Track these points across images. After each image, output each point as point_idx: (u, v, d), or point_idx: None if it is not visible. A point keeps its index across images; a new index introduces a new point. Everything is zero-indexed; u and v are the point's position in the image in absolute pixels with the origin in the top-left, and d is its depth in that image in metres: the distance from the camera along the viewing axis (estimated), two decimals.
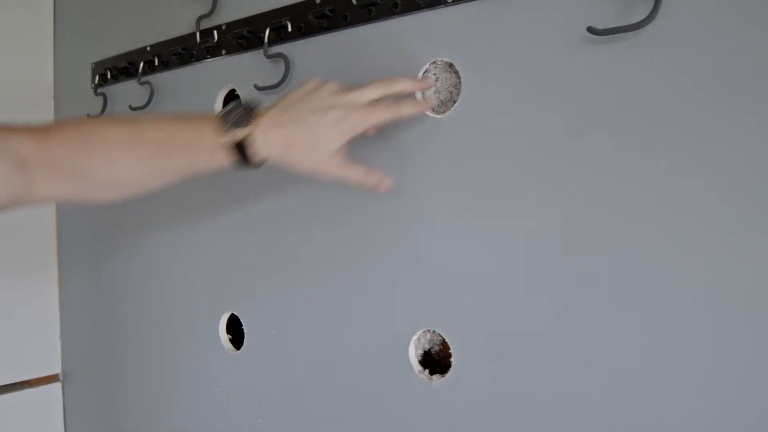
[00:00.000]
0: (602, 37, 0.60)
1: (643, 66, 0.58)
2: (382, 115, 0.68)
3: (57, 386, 1.40)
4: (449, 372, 0.73)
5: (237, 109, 0.67)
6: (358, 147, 0.71)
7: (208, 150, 0.67)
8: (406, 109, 0.69)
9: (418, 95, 0.75)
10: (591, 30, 0.60)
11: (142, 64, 1.10)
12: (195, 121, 0.69)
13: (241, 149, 0.66)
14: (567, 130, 0.63)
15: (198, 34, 0.99)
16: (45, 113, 1.36)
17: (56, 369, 1.40)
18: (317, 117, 0.66)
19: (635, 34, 0.58)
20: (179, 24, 1.03)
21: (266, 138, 0.66)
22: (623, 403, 0.60)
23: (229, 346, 1.00)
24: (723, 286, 0.54)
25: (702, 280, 0.55)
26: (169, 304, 1.10)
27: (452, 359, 0.73)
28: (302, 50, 0.86)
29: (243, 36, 0.92)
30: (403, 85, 0.70)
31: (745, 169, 0.53)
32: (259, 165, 0.68)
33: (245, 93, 0.94)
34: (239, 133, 0.66)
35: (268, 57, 0.88)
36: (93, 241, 1.29)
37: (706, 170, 0.55)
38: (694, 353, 0.56)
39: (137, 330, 1.19)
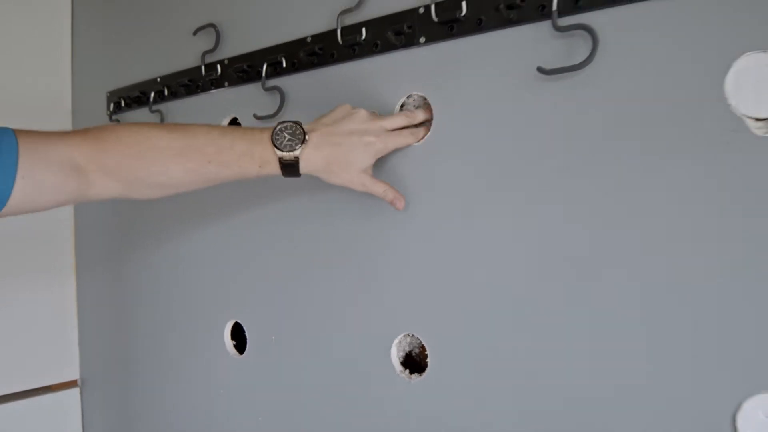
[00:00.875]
0: (549, 75, 0.69)
1: (583, 99, 0.67)
2: (407, 140, 0.81)
3: (75, 391, 1.50)
4: (426, 372, 0.82)
5: (288, 130, 0.77)
6: None
7: (258, 163, 0.77)
8: (422, 133, 0.81)
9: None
10: (540, 69, 0.69)
11: (153, 94, 1.20)
12: (246, 137, 0.78)
13: (290, 164, 0.77)
14: (523, 154, 0.72)
15: (203, 67, 1.09)
16: None
17: (75, 375, 1.50)
18: (354, 140, 0.77)
19: (577, 73, 0.67)
20: (186, 58, 1.14)
21: (312, 156, 0.77)
22: (584, 400, 0.68)
23: (233, 351, 1.10)
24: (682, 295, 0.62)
25: (652, 290, 0.64)
26: (178, 313, 1.20)
27: (428, 360, 0.82)
28: (295, 83, 0.96)
29: (243, 70, 1.02)
30: (420, 117, 0.81)
31: (664, 185, 0.62)
32: (299, 176, 0.79)
33: (245, 121, 1.03)
34: (292, 153, 0.76)
35: (266, 89, 0.98)
36: (108, 257, 1.38)
37: (639, 185, 0.63)
38: (668, 359, 0.64)
39: (149, 338, 1.28)
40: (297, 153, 0.76)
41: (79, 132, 0.76)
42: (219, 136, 0.78)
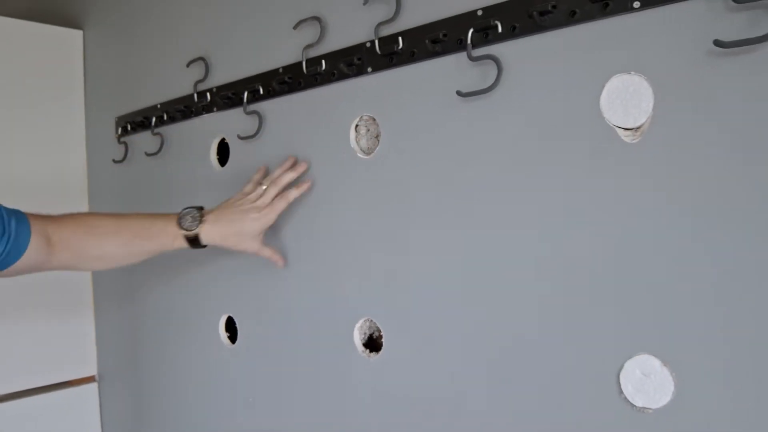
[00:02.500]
0: (466, 97, 0.83)
1: (493, 117, 0.82)
2: (281, 205, 1.03)
3: (93, 386, 1.67)
4: (381, 351, 0.96)
5: (190, 214, 1.02)
6: (321, 181, 0.96)
7: (171, 238, 1.02)
8: (292, 194, 1.03)
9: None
10: (458, 93, 0.84)
11: (154, 118, 1.37)
12: (161, 219, 1.03)
13: (192, 239, 1.02)
14: (449, 164, 0.86)
15: (196, 95, 1.25)
16: (79, 158, 1.64)
17: (93, 371, 1.67)
18: (242, 217, 1.02)
19: (488, 95, 0.82)
20: (182, 87, 1.30)
21: (209, 233, 1.02)
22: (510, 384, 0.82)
23: (227, 341, 1.25)
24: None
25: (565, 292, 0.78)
26: (180, 311, 1.36)
27: (383, 341, 0.96)
28: (271, 108, 1.11)
29: (228, 97, 1.17)
30: (287, 179, 1.03)
31: (558, 185, 0.76)
32: (204, 247, 1.03)
33: (232, 141, 1.19)
34: (191, 231, 1.01)
35: (247, 113, 1.14)
36: (119, 271, 1.55)
37: (539, 186, 0.78)
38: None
39: (155, 335, 1.44)
40: (196, 231, 1.01)
41: (52, 215, 1.00)
42: (143, 219, 1.04)
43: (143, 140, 1.42)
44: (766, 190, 0.61)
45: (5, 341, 1.52)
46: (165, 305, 1.41)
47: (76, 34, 1.67)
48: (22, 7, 1.89)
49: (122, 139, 1.49)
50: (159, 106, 1.36)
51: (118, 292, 1.56)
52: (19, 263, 0.96)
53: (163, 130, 1.36)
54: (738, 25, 0.62)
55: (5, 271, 0.96)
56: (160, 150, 1.36)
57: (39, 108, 1.58)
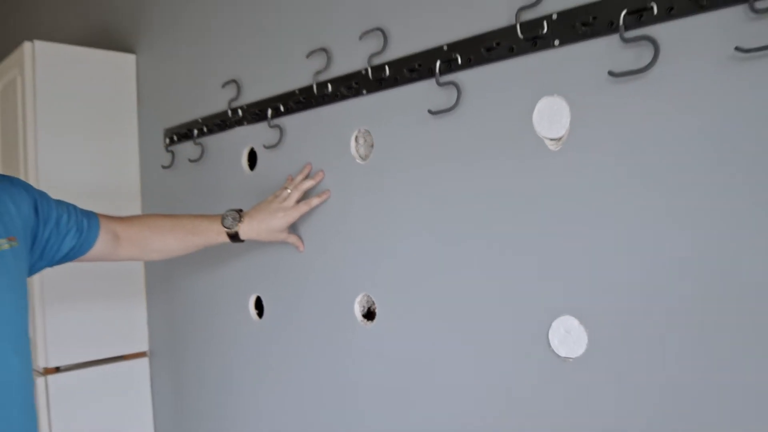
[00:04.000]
0: (435, 115, 1.05)
1: (453, 131, 1.03)
2: (304, 209, 1.27)
3: (145, 360, 1.94)
4: (375, 319, 1.19)
5: (230, 215, 1.28)
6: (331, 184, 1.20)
7: (216, 234, 1.29)
8: (314, 202, 1.28)
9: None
10: (430, 111, 1.05)
11: (196, 131, 1.62)
12: (208, 219, 1.30)
13: (232, 235, 1.28)
14: (425, 164, 1.08)
15: (229, 111, 1.49)
16: (133, 164, 1.91)
17: (144, 347, 1.93)
18: (271, 216, 1.27)
19: (451, 113, 1.03)
20: (218, 104, 1.55)
21: (246, 230, 1.28)
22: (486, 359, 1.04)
23: (256, 317, 1.49)
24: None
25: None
26: (217, 295, 1.60)
27: (377, 311, 1.19)
28: (290, 122, 1.35)
29: (256, 113, 1.42)
30: (307, 186, 1.29)
31: (499, 184, 0.97)
32: (242, 241, 1.29)
33: (259, 150, 1.43)
34: (232, 229, 1.27)
35: (271, 126, 1.38)
36: (167, 263, 1.80)
37: (488, 187, 0.99)
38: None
39: (196, 315, 1.69)
40: (235, 229, 1.27)
41: (120, 216, 1.29)
42: (193, 219, 1.32)
43: (187, 149, 1.68)
44: (651, 175, 0.82)
45: (73, 320, 1.79)
46: (205, 290, 1.66)
47: (130, 58, 1.94)
48: (84, 35, 2.18)
49: (169, 148, 1.74)
50: (200, 120, 1.61)
51: (165, 279, 1.82)
52: (90, 254, 1.22)
53: (204, 140, 1.61)
54: (627, 59, 0.83)
55: (78, 258, 1.22)
56: (201, 157, 1.61)
57: (99, 123, 1.86)
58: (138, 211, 1.91)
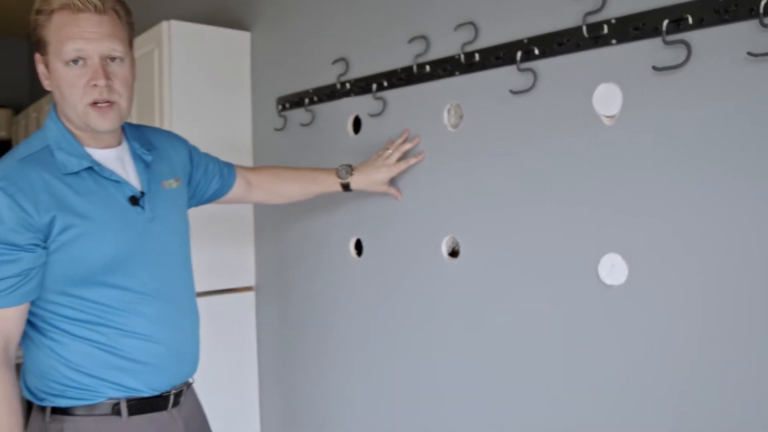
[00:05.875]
0: (516, 94, 1.33)
1: (531, 109, 1.31)
2: (402, 166, 1.57)
3: (251, 294, 2.29)
4: (458, 257, 1.49)
5: (344, 169, 1.59)
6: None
7: (331, 184, 1.61)
8: (412, 161, 1.57)
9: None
10: (511, 91, 1.33)
11: (307, 99, 1.93)
12: (325, 171, 1.63)
13: (345, 185, 1.59)
14: (506, 134, 1.37)
15: (338, 84, 1.80)
16: (246, 127, 2.25)
17: (251, 282, 2.29)
18: (376, 171, 1.57)
19: (529, 94, 1.31)
20: (327, 77, 1.85)
21: (356, 181, 1.59)
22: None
23: (355, 256, 1.81)
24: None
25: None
26: (320, 237, 1.93)
27: (460, 250, 1.49)
28: (392, 95, 1.64)
29: (362, 87, 1.72)
30: (405, 147, 1.57)
31: (561, 156, 1.25)
32: (352, 191, 1.61)
33: (363, 118, 1.74)
34: (345, 180, 1.59)
35: (375, 98, 1.68)
36: (275, 208, 2.14)
37: (545, 164, 1.27)
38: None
39: (300, 255, 2.02)
40: (348, 180, 1.59)
41: (252, 167, 1.66)
42: (313, 170, 1.67)
43: (298, 115, 2.00)
44: (681, 146, 1.09)
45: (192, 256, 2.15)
46: (309, 233, 1.99)
47: (246, 35, 2.26)
48: (204, 12, 2.52)
49: (282, 114, 2.07)
50: (311, 90, 1.92)
51: (273, 222, 2.16)
52: (228, 196, 1.58)
53: (314, 108, 1.93)
54: (667, 57, 1.09)
55: (218, 200, 1.57)
56: (311, 122, 1.93)
57: (217, 93, 2.19)
58: (250, 165, 2.25)
